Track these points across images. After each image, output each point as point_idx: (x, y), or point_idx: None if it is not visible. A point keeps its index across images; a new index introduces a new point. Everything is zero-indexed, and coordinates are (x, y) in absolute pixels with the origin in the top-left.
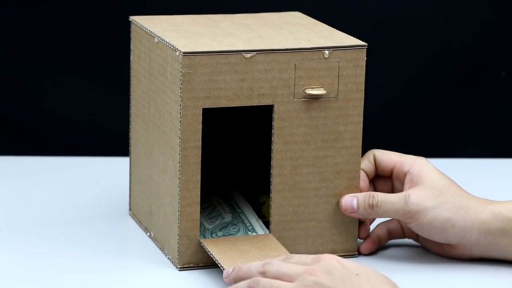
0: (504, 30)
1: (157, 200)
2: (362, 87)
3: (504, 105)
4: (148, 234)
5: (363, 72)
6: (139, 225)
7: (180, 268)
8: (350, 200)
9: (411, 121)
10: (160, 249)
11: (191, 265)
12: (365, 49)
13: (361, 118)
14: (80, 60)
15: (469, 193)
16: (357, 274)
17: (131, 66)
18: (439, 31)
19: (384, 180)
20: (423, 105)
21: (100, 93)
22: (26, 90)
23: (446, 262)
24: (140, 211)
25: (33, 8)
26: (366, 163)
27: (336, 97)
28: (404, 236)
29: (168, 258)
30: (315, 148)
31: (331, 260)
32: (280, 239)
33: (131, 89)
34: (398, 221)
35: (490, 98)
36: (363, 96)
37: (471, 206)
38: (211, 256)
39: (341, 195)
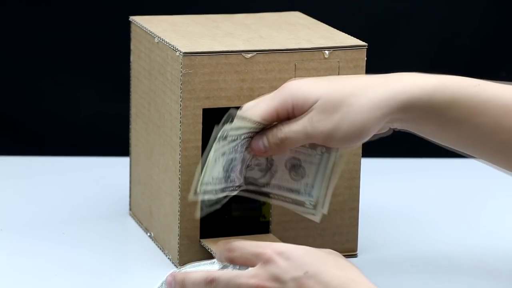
0: (504, 30)
1: (157, 200)
2: None
3: None
4: (148, 234)
5: (363, 72)
6: (139, 225)
7: (180, 268)
8: (259, 139)
9: None
10: (160, 249)
11: None
12: (365, 49)
13: None
14: (80, 60)
15: (365, 76)
16: (306, 272)
17: (131, 66)
18: (439, 31)
19: None
20: None
21: (100, 93)
22: (26, 90)
23: (445, 263)
24: (140, 211)
25: (33, 8)
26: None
27: None
28: None
29: (168, 258)
30: None
31: (276, 261)
32: (280, 239)
33: (131, 89)
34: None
35: None
36: None
37: (380, 88)
38: (213, 254)
39: (341, 195)
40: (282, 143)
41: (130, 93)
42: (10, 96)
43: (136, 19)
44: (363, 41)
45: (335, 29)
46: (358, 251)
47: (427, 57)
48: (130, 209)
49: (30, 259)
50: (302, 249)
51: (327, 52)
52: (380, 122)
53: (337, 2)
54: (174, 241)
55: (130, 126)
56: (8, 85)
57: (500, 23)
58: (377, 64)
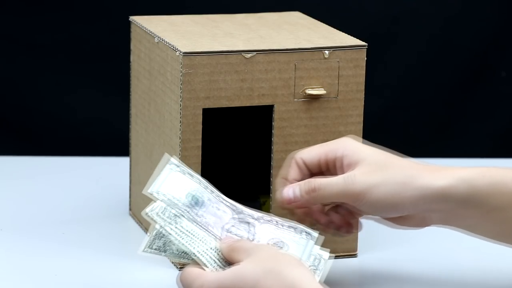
0: (504, 30)
1: None
2: (362, 87)
3: (504, 105)
4: (148, 234)
5: (363, 72)
6: (139, 225)
7: (180, 268)
8: (291, 188)
9: (411, 121)
10: None
11: None
12: (365, 49)
13: (361, 118)
14: (80, 60)
15: (415, 162)
16: None
17: (131, 66)
18: (439, 31)
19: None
20: (423, 105)
21: (100, 93)
22: (26, 90)
23: (446, 262)
24: (140, 211)
25: (32, 8)
26: (295, 170)
27: (336, 97)
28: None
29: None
30: None
31: None
32: None
33: (131, 89)
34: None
35: (490, 98)
36: (363, 96)
37: (422, 174)
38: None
39: None
40: (314, 192)
41: (130, 93)
42: (9, 97)
43: (136, 19)
44: (363, 41)
45: (335, 29)
46: (358, 251)
47: (427, 57)
48: (130, 209)
49: (30, 259)
50: (218, 280)
51: (327, 52)
52: (414, 204)
53: (337, 2)
54: None
55: (130, 126)
56: (8, 85)
57: (500, 24)
58: (377, 64)
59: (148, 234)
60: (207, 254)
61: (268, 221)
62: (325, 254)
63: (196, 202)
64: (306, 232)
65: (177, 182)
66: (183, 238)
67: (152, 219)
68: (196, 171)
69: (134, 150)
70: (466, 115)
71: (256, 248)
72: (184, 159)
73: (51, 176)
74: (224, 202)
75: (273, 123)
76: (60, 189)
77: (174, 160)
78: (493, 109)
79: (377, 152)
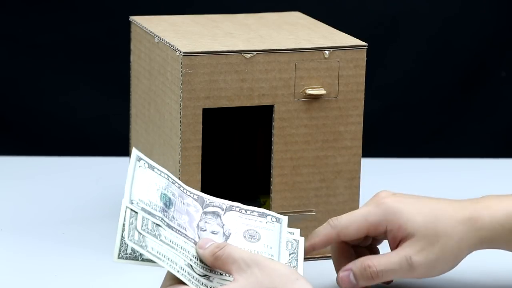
0: (504, 30)
1: None
2: (362, 87)
3: (504, 105)
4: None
5: (363, 72)
6: None
7: None
8: (346, 276)
9: (411, 121)
10: None
11: None
12: (365, 49)
13: (361, 118)
14: (80, 60)
15: (443, 203)
16: None
17: (131, 66)
18: (439, 31)
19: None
20: (423, 105)
21: (100, 93)
22: (26, 90)
23: None
24: None
25: (32, 8)
26: (330, 243)
27: (336, 97)
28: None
29: None
30: (315, 148)
31: None
32: None
33: (131, 89)
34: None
35: (490, 98)
36: (363, 96)
37: (472, 235)
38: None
39: (341, 195)
40: (372, 280)
41: (130, 93)
42: (10, 96)
43: (136, 19)
44: (363, 41)
45: (335, 29)
46: None
47: (427, 57)
48: None
49: (30, 259)
50: None
51: (327, 52)
52: (470, 250)
53: (337, 2)
54: None
55: (130, 126)
56: (8, 85)
57: (500, 24)
58: (377, 64)
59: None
60: (186, 271)
61: (231, 207)
62: (297, 235)
63: (169, 202)
64: (272, 216)
65: (147, 182)
66: (163, 260)
67: (137, 246)
68: (196, 171)
69: None
70: (466, 115)
71: (246, 260)
72: (184, 159)
73: (51, 176)
74: (191, 195)
75: (273, 123)
76: (60, 189)
77: (139, 154)
78: (493, 109)
79: (423, 221)
